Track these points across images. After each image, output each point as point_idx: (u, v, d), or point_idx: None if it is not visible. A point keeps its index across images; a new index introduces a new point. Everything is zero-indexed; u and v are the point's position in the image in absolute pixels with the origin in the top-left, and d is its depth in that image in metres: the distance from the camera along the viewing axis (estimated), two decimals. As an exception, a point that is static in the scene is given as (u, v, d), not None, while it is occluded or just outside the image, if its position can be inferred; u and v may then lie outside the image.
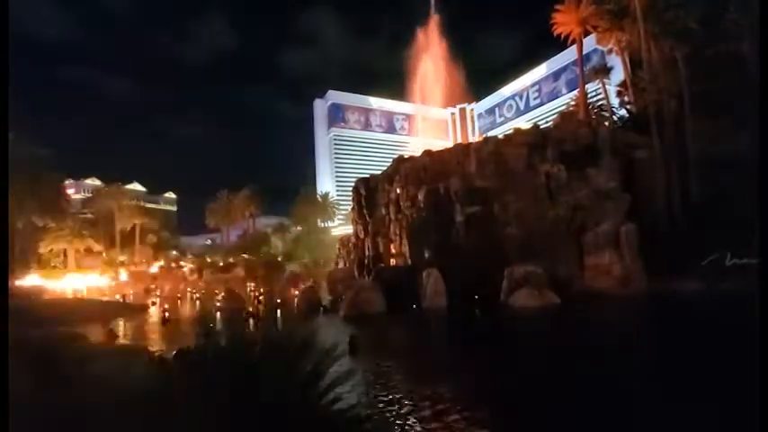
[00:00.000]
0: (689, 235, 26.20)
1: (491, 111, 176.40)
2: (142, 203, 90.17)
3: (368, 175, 43.34)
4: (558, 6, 50.26)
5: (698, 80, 36.04)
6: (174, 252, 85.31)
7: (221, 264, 69.88)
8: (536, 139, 35.20)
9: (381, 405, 8.40)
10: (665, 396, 8.34)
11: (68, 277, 57.18)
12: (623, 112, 46.78)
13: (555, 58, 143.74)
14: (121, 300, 43.70)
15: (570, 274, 26.17)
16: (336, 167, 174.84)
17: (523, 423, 7.46)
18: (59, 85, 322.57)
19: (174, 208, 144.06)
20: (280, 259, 68.25)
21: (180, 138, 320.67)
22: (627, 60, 43.88)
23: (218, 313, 29.94)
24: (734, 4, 33.57)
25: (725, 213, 25.38)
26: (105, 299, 43.72)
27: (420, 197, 33.07)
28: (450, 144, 50.76)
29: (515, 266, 25.88)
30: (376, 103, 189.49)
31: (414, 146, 51.66)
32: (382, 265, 35.67)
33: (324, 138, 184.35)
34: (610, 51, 47.53)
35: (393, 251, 35.57)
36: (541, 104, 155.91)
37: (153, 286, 58.11)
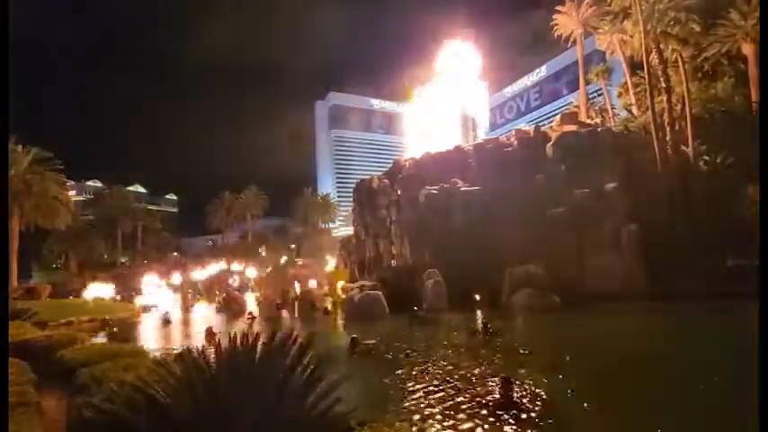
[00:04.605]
0: (690, 236, 26.14)
1: (491, 112, 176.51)
2: (143, 205, 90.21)
3: (369, 176, 43.37)
4: (558, 7, 50.30)
5: (699, 81, 35.98)
6: (175, 253, 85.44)
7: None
8: (537, 140, 35.25)
9: (381, 406, 8.38)
10: (664, 396, 8.33)
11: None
12: (624, 113, 46.83)
13: (556, 59, 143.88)
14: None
15: (571, 275, 26.09)
16: (337, 168, 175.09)
17: (524, 424, 7.44)
18: (59, 85, 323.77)
19: (175, 209, 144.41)
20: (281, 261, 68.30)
21: (180, 138, 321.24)
22: (628, 61, 43.89)
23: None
24: (735, 4, 33.59)
25: (726, 214, 25.34)
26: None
27: (421, 198, 33.08)
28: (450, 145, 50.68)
29: (516, 267, 25.87)
30: (377, 104, 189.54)
31: (414, 147, 51.72)
32: (383, 266, 35.71)
33: (325, 139, 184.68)
34: (611, 53, 47.53)
35: (394, 252, 35.55)
36: (542, 105, 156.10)
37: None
